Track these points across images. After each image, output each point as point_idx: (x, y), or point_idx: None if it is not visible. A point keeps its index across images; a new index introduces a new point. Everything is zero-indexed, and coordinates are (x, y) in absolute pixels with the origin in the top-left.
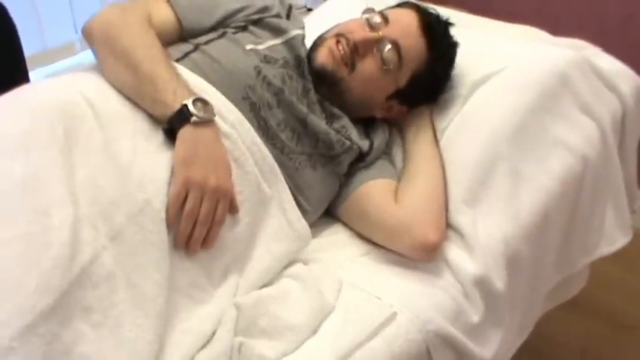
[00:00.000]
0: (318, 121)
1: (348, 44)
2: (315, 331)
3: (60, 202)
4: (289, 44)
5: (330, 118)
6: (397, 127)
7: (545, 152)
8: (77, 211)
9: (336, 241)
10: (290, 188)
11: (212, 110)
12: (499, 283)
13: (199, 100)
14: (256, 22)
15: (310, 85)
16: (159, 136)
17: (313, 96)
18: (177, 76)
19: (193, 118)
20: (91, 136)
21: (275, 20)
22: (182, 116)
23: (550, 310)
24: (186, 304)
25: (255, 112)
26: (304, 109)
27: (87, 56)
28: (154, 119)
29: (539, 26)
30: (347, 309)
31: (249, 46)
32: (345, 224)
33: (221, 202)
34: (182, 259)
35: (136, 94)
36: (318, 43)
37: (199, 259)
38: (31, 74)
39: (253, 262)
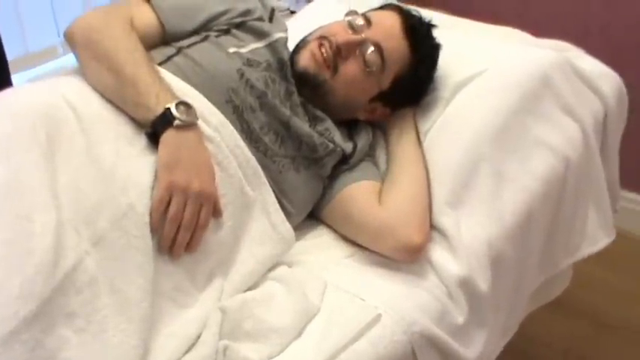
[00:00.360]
0: (301, 124)
1: (330, 47)
2: (299, 334)
3: (42, 206)
4: (272, 47)
5: (313, 120)
6: (380, 129)
7: (528, 153)
8: (60, 216)
9: (321, 243)
10: (274, 191)
11: (195, 113)
12: (483, 284)
13: (182, 104)
14: (239, 26)
15: (293, 88)
16: (142, 140)
17: (296, 99)
18: (160, 79)
19: (176, 122)
20: (74, 139)
21: (258, 23)
22: (165, 120)
23: (533, 311)
24: (170, 308)
25: (238, 115)
26: (287, 111)
27: (69, 60)
28: (136, 123)
29: (522, 28)
30: (331, 311)
31: (231, 50)
32: (330, 226)
33: (204, 206)
34: (166, 264)
35: (119, 97)
36: (300, 45)
37: (183, 263)
38: (14, 78)
39: (237, 265)
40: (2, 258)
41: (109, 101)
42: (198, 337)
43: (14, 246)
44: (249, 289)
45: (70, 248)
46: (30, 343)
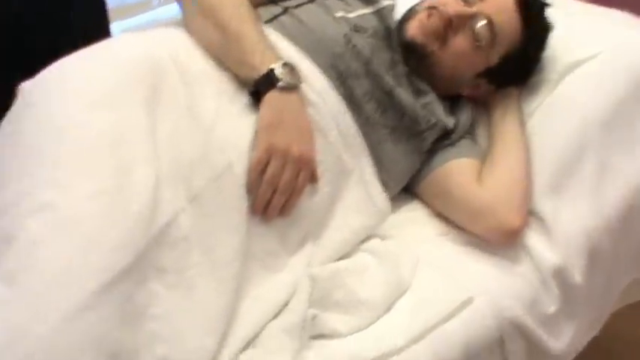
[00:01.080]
0: (405, 95)
1: (440, 18)
2: (389, 309)
3: (142, 159)
4: (380, 14)
5: (417, 93)
6: (483, 106)
7: (634, 145)
8: (158, 170)
9: (414, 218)
10: (372, 161)
11: (299, 76)
12: (578, 275)
13: (286, 65)
14: None
15: (398, 58)
16: (243, 99)
17: (401, 69)
18: (265, 38)
19: (280, 83)
20: (175, 94)
21: None
22: (268, 80)
23: (620, 308)
24: (259, 271)
25: (341, 81)
26: (391, 81)
27: (164, 12)
28: (238, 81)
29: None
30: (423, 288)
31: (339, 14)
32: (423, 202)
33: (302, 172)
34: (258, 225)
35: (222, 53)
36: (409, 15)
37: (276, 225)
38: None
39: (330, 232)
40: (102, 209)
41: (213, 57)
42: (286, 302)
43: (114, 197)
44: (341, 258)
45: (167, 202)
46: (124, 295)
